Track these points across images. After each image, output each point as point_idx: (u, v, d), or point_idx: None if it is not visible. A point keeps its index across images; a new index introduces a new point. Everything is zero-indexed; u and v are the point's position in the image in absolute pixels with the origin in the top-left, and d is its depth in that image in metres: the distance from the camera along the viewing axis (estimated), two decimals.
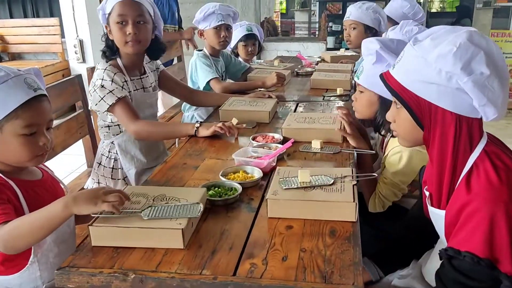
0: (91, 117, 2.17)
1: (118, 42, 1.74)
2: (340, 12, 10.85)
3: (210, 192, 1.24)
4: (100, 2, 4.40)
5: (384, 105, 1.51)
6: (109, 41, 1.78)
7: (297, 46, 4.71)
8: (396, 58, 1.47)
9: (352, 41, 2.72)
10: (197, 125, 1.71)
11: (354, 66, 2.82)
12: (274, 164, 1.44)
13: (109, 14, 1.73)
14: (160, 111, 3.33)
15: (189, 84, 2.58)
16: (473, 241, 0.91)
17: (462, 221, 0.93)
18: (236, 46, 3.03)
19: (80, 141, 2.17)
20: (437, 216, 1.05)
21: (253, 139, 1.65)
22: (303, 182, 1.20)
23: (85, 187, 2.04)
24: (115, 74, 1.74)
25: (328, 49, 6.43)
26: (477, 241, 0.90)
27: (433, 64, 0.93)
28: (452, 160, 0.97)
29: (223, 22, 2.44)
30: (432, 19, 10.53)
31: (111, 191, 1.04)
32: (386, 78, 1.05)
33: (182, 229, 1.00)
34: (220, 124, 1.67)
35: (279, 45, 4.77)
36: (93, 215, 1.04)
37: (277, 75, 2.37)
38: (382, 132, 1.58)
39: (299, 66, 3.02)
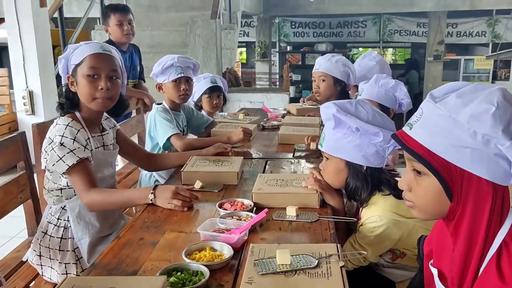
0: (35, 179, 1.93)
1: (85, 96, 1.58)
2: (300, 63, 11.27)
3: (172, 279, 1.03)
4: (54, 52, 4.20)
5: (354, 170, 1.43)
6: (70, 93, 1.61)
7: (260, 97, 4.66)
8: (356, 121, 1.39)
9: (322, 93, 2.64)
10: (151, 196, 1.50)
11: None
12: (246, 238, 1.26)
13: (77, 65, 1.57)
14: (119, 165, 3.10)
15: (147, 140, 2.40)
16: None
17: None
18: (200, 99, 2.91)
19: (21, 206, 1.90)
20: None
21: (220, 206, 1.47)
22: (282, 265, 1.02)
23: (24, 259, 1.77)
24: (78, 131, 1.56)
25: (291, 99, 6.44)
26: None
27: (466, 125, 0.80)
28: (485, 237, 0.82)
29: (182, 75, 2.31)
30: None
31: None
32: (403, 139, 0.89)
33: None
34: (178, 197, 1.48)
35: (242, 96, 4.70)
36: None
37: (243, 130, 2.22)
38: (358, 199, 1.47)
39: (264, 119, 2.90)
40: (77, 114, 1.62)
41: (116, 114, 1.79)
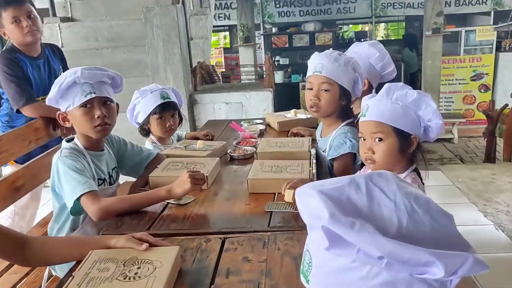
0: None
1: None
2: (287, 45, 10.39)
3: None
4: None
5: None
6: None
7: (238, 97, 3.85)
8: (376, 239, 0.62)
9: (322, 108, 1.79)
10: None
11: (312, 142, 1.95)
12: None
13: None
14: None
15: (53, 200, 1.61)
16: None
17: None
18: (147, 121, 2.11)
19: None
20: None
21: None
22: None
23: None
24: None
25: (279, 91, 5.63)
26: None
27: None
28: None
29: (93, 95, 1.51)
30: None
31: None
32: None
33: None
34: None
35: (216, 97, 3.88)
36: None
37: (190, 177, 1.43)
38: None
39: (234, 143, 2.11)
40: None
41: None
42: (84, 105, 1.51)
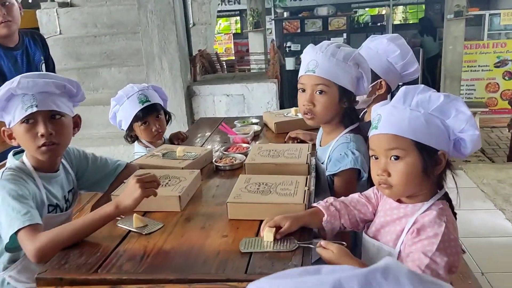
0: None
1: None
2: (299, 30, 9.96)
3: None
4: None
5: None
6: None
7: (239, 89, 3.53)
8: None
9: (317, 115, 1.46)
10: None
11: (313, 149, 1.64)
12: None
13: None
14: None
15: None
16: None
17: None
18: (131, 128, 1.85)
19: None
20: None
21: None
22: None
23: None
24: None
25: (288, 79, 5.29)
26: None
27: None
28: None
29: (35, 109, 1.22)
30: (396, 32, 9.69)
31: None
32: None
33: None
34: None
35: (216, 88, 3.56)
36: None
37: (140, 183, 1.14)
38: None
39: (221, 149, 1.80)
40: None
41: None
42: (25, 120, 1.23)
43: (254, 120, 2.22)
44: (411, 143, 1.05)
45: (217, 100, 3.58)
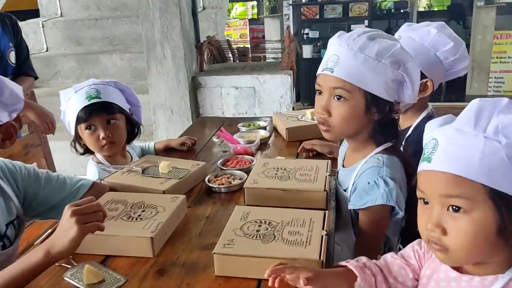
0: None
1: None
2: (317, 17, 9.48)
3: None
4: None
5: None
6: None
7: (250, 80, 3.17)
8: None
9: (334, 127, 1.10)
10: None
11: (330, 169, 1.27)
12: None
13: None
14: None
15: None
16: None
17: None
18: (77, 134, 1.51)
19: None
20: None
21: None
22: None
23: None
24: None
25: (306, 70, 4.85)
26: None
27: None
28: None
29: None
30: (420, 19, 9.15)
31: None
32: None
33: None
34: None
35: (224, 80, 3.20)
36: None
37: (76, 217, 0.84)
38: None
39: (219, 163, 1.45)
40: None
41: None
42: None
43: (262, 124, 1.86)
44: (482, 190, 0.68)
45: (225, 93, 3.22)
